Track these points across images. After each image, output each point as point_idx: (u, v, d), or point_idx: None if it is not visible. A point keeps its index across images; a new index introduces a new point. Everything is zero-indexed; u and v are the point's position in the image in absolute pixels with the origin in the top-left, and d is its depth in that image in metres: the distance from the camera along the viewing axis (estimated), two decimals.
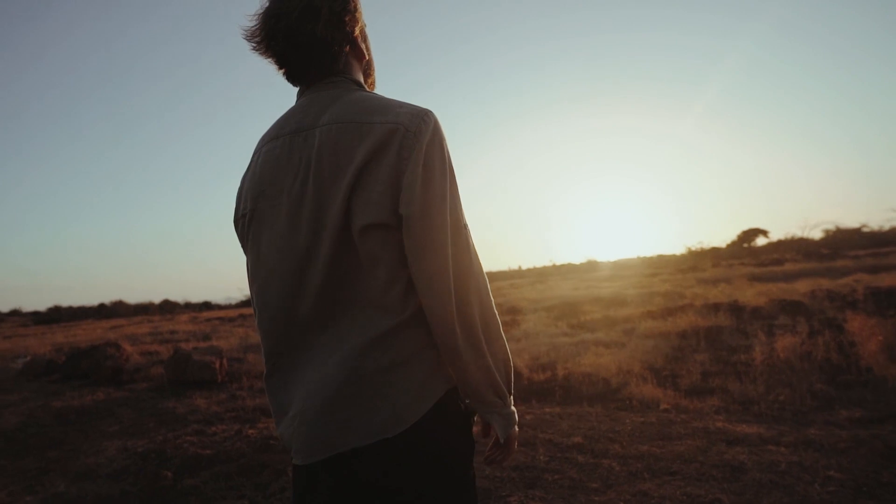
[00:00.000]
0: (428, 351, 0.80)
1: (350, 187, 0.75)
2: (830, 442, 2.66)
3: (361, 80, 0.91)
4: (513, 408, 0.87)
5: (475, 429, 0.87)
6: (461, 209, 0.80)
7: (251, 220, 0.85)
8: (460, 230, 0.78)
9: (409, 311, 0.79)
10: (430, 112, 0.79)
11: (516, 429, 0.88)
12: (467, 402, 0.85)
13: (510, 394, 0.86)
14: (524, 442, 3.04)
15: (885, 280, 8.11)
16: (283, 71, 0.87)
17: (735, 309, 6.70)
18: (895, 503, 2.03)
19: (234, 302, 28.98)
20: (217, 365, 5.79)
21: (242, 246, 0.91)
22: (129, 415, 4.82)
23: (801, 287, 8.50)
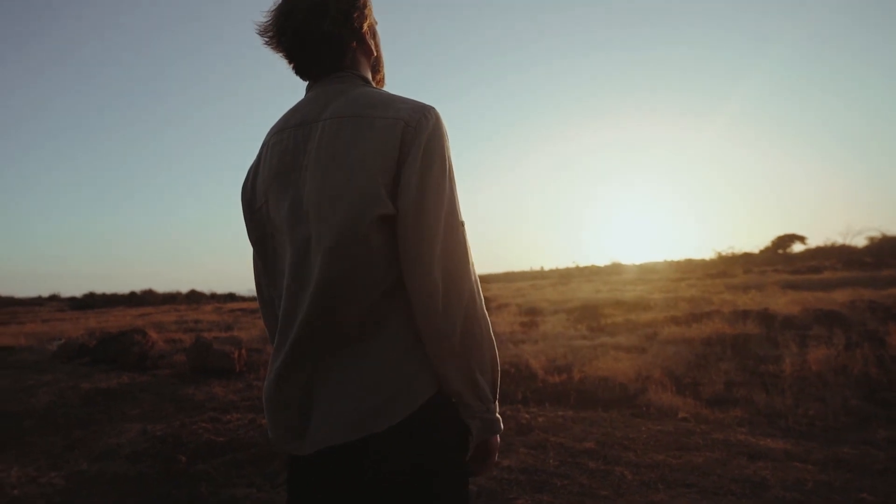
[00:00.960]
0: (421, 347, 0.79)
1: (351, 180, 0.76)
2: (865, 462, 2.49)
3: (369, 76, 0.93)
4: (497, 415, 0.83)
5: None
6: (458, 206, 0.79)
7: (267, 215, 0.86)
8: (456, 227, 0.78)
9: (404, 304, 0.79)
10: (433, 108, 0.80)
11: (498, 438, 0.84)
12: (453, 401, 0.82)
13: (495, 398, 0.82)
14: (535, 445, 2.97)
15: None
16: (292, 66, 0.89)
17: (765, 317, 6.41)
18: None
19: None
20: (235, 355, 5.91)
21: (251, 239, 0.91)
22: (151, 399, 4.97)
23: (840, 297, 8.07)
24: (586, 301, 10.18)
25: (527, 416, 3.48)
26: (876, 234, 25.80)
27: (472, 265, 0.80)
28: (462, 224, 0.80)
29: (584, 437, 3.06)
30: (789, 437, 2.93)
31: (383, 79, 1.00)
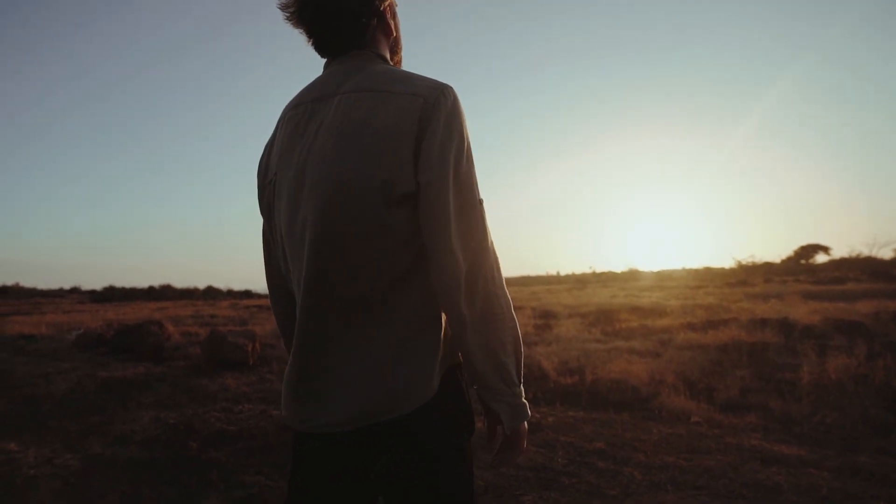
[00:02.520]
0: (434, 327, 0.79)
1: (368, 155, 0.75)
2: (882, 472, 2.41)
3: (387, 55, 0.93)
4: (524, 399, 0.82)
5: (478, 425, 0.82)
6: (476, 184, 0.79)
7: (275, 186, 0.86)
8: (475, 205, 0.78)
9: (420, 282, 0.79)
10: (450, 87, 0.79)
11: (525, 424, 0.83)
12: (475, 388, 0.83)
13: (520, 382, 0.82)
14: (543, 443, 2.94)
15: None
16: (311, 42, 0.89)
17: (785, 326, 6.26)
18: None
19: None
20: (249, 348, 5.99)
21: (264, 214, 0.92)
22: (165, 389, 5.06)
23: (864, 308, 7.84)
24: (602, 306, 10.07)
25: (537, 415, 3.46)
26: None
27: (492, 243, 0.80)
28: (481, 202, 0.79)
29: (593, 438, 3.03)
30: (804, 443, 2.85)
31: (401, 61, 1.00)
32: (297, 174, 0.81)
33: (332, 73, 0.86)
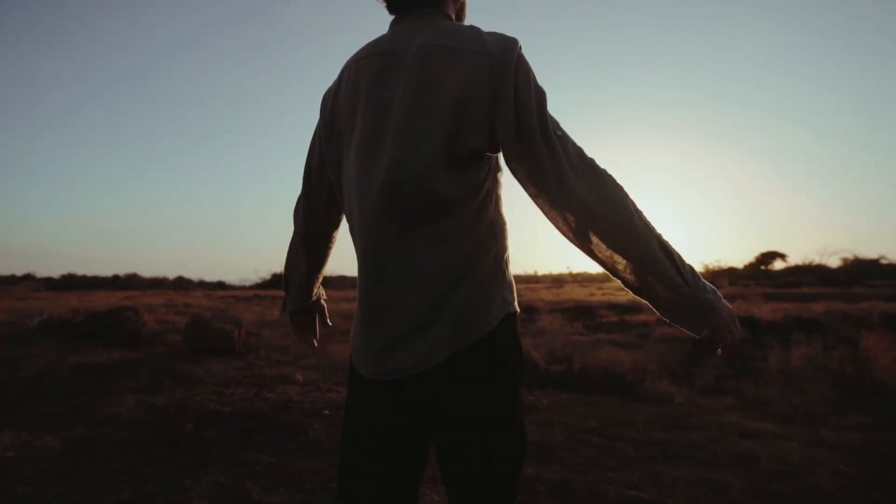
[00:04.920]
0: (493, 272, 0.84)
1: (444, 109, 0.79)
2: (842, 441, 2.69)
3: (453, 17, 0.96)
4: (705, 292, 0.79)
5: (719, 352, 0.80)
6: (556, 121, 0.82)
7: (348, 133, 0.89)
8: (564, 136, 0.81)
9: (481, 231, 0.84)
10: (516, 40, 0.83)
11: (722, 312, 0.79)
12: (666, 319, 0.81)
13: (685, 277, 0.79)
14: (540, 422, 3.09)
15: None
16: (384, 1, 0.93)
17: (751, 322, 6.68)
18: None
19: (248, 283, 29.28)
20: (236, 333, 5.89)
21: (329, 162, 0.94)
22: (146, 374, 4.88)
23: (818, 308, 8.43)
24: (581, 302, 10.40)
25: (531, 397, 3.61)
26: (849, 255, 26.79)
27: (591, 164, 0.81)
28: (565, 133, 0.81)
29: (587, 418, 3.20)
30: (775, 420, 3.13)
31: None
32: (373, 122, 0.84)
33: (403, 30, 0.88)
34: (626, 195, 0.81)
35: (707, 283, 0.82)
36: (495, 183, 0.88)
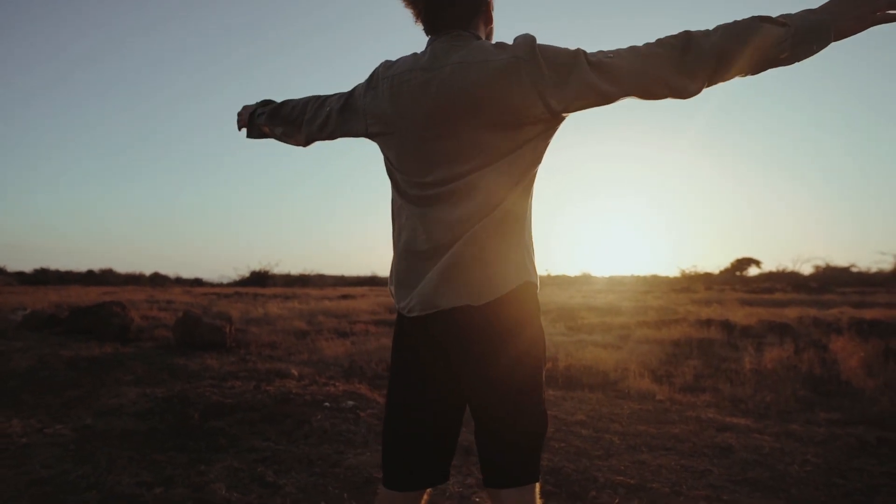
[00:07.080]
0: (518, 243, 1.01)
1: (480, 107, 0.96)
2: (809, 435, 2.93)
3: (483, 38, 1.10)
4: (813, 16, 0.86)
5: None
6: (577, 51, 0.96)
7: (389, 137, 1.07)
8: (603, 53, 0.95)
9: (508, 205, 0.99)
10: (528, 34, 0.99)
11: (836, 9, 0.86)
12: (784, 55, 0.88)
13: (793, 17, 0.87)
14: None
15: (868, 313, 8.48)
16: (421, 19, 1.07)
17: (726, 326, 7.01)
18: (862, 483, 2.29)
19: (226, 281, 28.91)
20: (227, 329, 5.95)
21: (340, 131, 1.17)
22: (141, 367, 4.90)
23: (790, 313, 8.85)
24: (562, 305, 10.66)
25: None
26: (821, 263, 27.82)
27: (634, 52, 0.93)
28: (601, 52, 0.95)
29: (574, 412, 3.40)
30: (750, 416, 3.37)
31: None
32: (423, 123, 1.00)
33: (440, 49, 1.03)
34: (693, 35, 0.91)
35: (810, 11, 0.88)
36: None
